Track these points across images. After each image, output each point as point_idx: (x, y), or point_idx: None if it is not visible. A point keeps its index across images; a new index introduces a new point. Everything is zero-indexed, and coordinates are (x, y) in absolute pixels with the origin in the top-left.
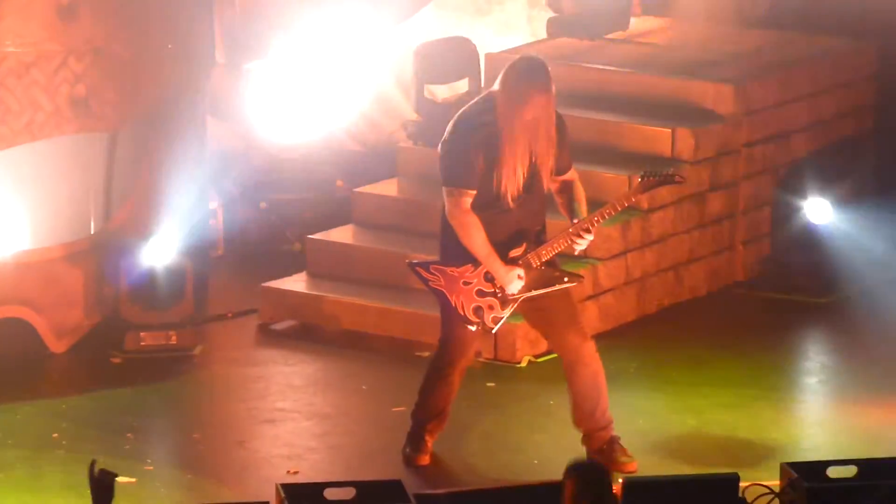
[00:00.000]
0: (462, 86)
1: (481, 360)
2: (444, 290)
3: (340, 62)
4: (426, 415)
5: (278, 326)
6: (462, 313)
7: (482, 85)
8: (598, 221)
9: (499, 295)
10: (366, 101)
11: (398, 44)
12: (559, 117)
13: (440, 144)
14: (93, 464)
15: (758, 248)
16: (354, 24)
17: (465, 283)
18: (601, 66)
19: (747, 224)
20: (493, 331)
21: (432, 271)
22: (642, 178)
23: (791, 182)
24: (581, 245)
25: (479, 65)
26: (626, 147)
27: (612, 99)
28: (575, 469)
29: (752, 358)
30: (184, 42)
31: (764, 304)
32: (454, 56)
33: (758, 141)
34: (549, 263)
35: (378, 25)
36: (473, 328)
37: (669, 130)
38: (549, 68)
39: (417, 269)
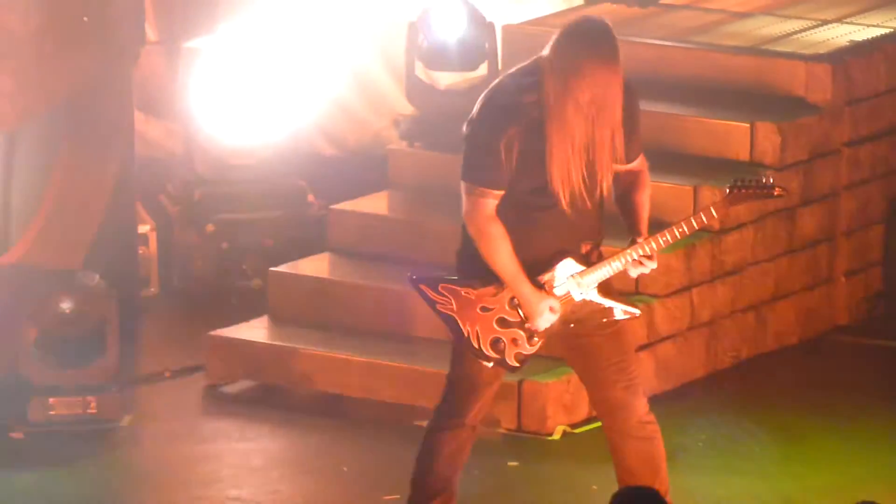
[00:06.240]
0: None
1: (501, 430)
2: (456, 317)
3: (312, 39)
4: (427, 492)
5: (231, 389)
6: (476, 345)
7: (500, 67)
8: (665, 242)
9: (526, 325)
10: (345, 89)
11: (388, 15)
12: (630, 91)
13: (465, 124)
14: None
15: (866, 280)
16: None
17: (484, 309)
18: (655, 41)
19: (851, 249)
20: (515, 370)
21: (441, 291)
22: (731, 188)
23: None
24: (641, 270)
25: (495, 41)
26: (689, 148)
27: (670, 84)
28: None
29: (861, 427)
30: (104, 13)
31: (875, 356)
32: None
33: (864, 138)
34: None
35: None
36: (490, 364)
37: (748, 125)
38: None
39: (422, 286)
